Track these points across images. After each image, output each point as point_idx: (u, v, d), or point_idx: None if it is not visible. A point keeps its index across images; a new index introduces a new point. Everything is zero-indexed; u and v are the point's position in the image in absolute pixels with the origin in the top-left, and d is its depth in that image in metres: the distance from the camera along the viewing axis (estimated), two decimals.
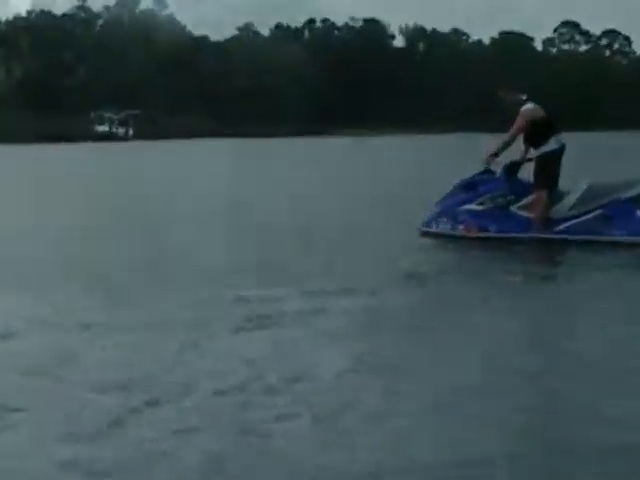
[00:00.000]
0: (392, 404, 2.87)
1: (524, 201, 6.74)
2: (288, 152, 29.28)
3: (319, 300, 4.42)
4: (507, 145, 6.78)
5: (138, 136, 50.53)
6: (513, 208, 6.77)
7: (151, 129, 50.82)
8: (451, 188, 7.00)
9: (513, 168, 6.88)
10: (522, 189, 6.81)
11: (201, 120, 52.82)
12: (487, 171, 6.89)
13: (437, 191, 7.21)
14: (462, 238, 6.79)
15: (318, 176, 14.77)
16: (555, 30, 73.83)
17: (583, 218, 6.49)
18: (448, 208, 6.91)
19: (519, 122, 6.71)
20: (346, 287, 4.82)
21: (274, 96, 57.35)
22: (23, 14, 61.90)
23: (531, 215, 6.65)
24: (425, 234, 6.95)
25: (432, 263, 6.09)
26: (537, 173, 6.70)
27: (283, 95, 58.16)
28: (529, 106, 6.76)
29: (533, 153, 6.84)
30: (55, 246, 6.84)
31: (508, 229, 6.72)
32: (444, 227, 6.90)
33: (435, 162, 19.09)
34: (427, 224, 7.01)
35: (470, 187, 6.90)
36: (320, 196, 10.72)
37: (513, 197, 6.79)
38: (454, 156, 19.49)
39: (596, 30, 72.08)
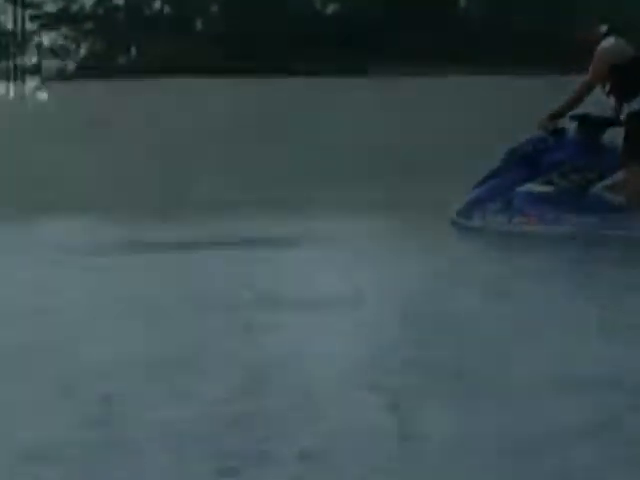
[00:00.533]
0: None
1: (612, 179, 6.58)
2: None
3: None
4: (576, 101, 6.55)
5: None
6: (596, 189, 6.60)
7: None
8: (500, 160, 6.77)
9: (594, 128, 6.60)
10: (609, 161, 6.59)
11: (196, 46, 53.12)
12: (556, 132, 6.63)
13: None
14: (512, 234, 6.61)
15: None
16: None
17: None
18: (497, 190, 6.68)
19: (595, 67, 6.46)
20: None
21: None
22: None
23: (623, 199, 6.48)
24: (459, 226, 6.77)
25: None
26: (628, 138, 6.43)
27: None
28: (610, 41, 6.48)
29: (625, 110, 6.59)
30: None
31: (589, 221, 6.49)
32: (491, 218, 6.68)
33: None
34: (464, 213, 6.77)
35: (529, 159, 6.65)
36: None
37: (595, 173, 6.60)
38: None
39: None
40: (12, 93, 47.63)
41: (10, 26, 52.90)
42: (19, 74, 50.38)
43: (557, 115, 6.61)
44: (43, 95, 44.85)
